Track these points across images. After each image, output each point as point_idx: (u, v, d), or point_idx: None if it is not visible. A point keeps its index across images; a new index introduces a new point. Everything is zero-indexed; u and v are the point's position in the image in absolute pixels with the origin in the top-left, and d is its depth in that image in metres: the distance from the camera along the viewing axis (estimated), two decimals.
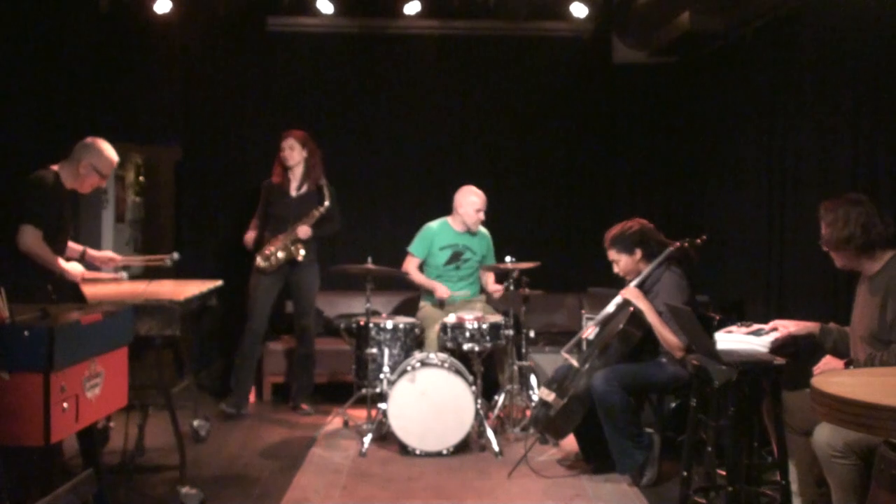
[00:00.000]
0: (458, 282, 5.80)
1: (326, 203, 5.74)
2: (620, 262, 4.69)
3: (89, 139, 4.44)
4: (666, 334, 4.39)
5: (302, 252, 5.70)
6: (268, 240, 5.79)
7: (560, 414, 4.58)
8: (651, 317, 4.43)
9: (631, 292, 4.53)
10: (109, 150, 4.44)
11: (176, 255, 4.88)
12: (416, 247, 5.81)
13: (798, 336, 3.73)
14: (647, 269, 4.60)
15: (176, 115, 6.97)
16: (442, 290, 5.70)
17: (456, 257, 5.77)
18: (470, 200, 5.72)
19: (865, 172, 4.52)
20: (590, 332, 4.79)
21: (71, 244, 4.76)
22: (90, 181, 4.45)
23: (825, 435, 3.16)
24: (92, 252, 4.79)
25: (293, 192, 5.85)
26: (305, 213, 5.75)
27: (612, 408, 4.35)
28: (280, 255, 5.71)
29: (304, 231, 5.70)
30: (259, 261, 5.74)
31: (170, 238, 7.56)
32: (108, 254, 4.83)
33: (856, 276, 3.64)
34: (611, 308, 4.70)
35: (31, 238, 4.18)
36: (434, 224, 5.84)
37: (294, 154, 5.79)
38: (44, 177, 4.30)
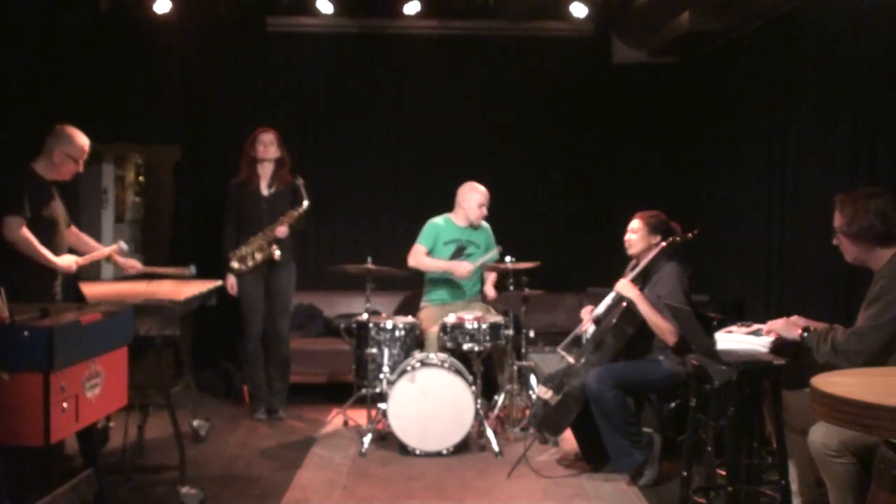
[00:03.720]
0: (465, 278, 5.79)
1: (305, 203, 5.66)
2: (638, 234, 4.70)
3: (58, 127, 4.49)
4: (658, 321, 4.41)
5: (278, 252, 5.65)
6: (241, 241, 5.69)
7: (556, 410, 4.59)
8: (643, 306, 4.46)
9: (623, 286, 4.56)
10: (79, 136, 4.49)
11: (193, 270, 4.88)
12: (424, 237, 5.78)
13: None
14: (643, 262, 4.62)
15: (176, 115, 6.98)
16: (460, 268, 5.65)
17: (459, 252, 5.78)
18: (472, 196, 5.74)
19: (865, 172, 4.52)
20: (586, 325, 4.79)
21: (97, 245, 4.84)
22: (67, 168, 4.50)
23: (820, 434, 3.16)
24: (118, 258, 4.83)
25: (264, 192, 5.76)
26: (278, 213, 5.67)
27: (606, 406, 4.36)
28: (258, 256, 5.64)
29: (282, 231, 5.64)
30: (234, 263, 5.64)
31: (169, 238, 7.55)
32: (132, 262, 4.85)
33: (857, 274, 3.64)
34: (605, 304, 4.71)
35: (14, 227, 4.22)
36: (438, 220, 5.84)
37: (271, 150, 5.69)
38: (15, 172, 4.38)
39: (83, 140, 4.50)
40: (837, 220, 3.52)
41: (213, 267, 5.51)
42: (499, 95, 7.21)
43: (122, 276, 5.08)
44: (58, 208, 4.49)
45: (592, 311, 4.83)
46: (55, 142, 4.44)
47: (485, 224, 5.90)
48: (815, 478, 3.41)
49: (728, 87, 6.30)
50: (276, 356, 5.89)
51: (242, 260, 5.66)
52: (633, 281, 4.65)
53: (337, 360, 6.27)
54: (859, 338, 3.33)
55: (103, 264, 6.01)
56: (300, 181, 5.68)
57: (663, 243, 4.59)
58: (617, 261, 5.17)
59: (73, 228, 4.71)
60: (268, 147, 5.69)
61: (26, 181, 4.34)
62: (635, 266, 4.70)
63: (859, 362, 3.28)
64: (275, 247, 5.64)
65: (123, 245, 4.82)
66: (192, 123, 7.02)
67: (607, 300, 4.72)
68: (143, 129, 6.96)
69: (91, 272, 5.86)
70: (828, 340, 3.40)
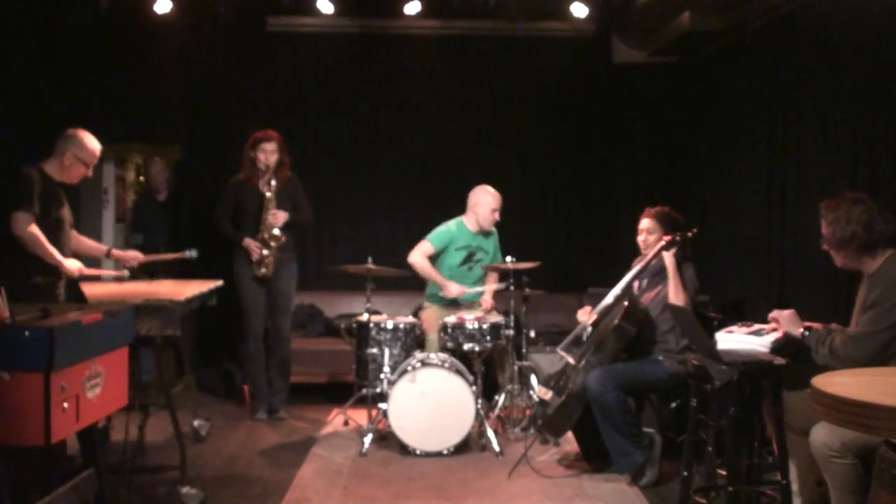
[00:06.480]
0: (471, 284, 5.77)
1: (273, 182, 5.64)
2: (655, 234, 4.71)
3: (70, 130, 4.48)
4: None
5: (282, 238, 5.64)
6: (248, 244, 5.68)
7: (558, 412, 4.58)
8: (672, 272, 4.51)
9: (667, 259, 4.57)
10: (91, 140, 4.49)
11: (194, 253, 4.89)
12: (436, 238, 5.72)
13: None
14: (647, 256, 4.63)
15: (176, 115, 6.98)
16: (454, 289, 5.62)
17: (469, 258, 5.75)
18: (486, 200, 5.68)
19: (865, 172, 4.52)
20: (591, 319, 4.77)
21: (96, 244, 4.85)
22: (76, 172, 4.50)
23: (822, 434, 3.16)
24: (117, 252, 4.84)
25: (267, 192, 5.71)
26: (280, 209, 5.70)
27: (607, 408, 4.36)
28: (266, 252, 5.65)
29: (276, 217, 5.63)
30: (261, 270, 5.66)
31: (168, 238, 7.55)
32: (132, 252, 4.86)
33: (856, 275, 3.64)
34: (605, 303, 4.70)
35: (22, 223, 4.21)
36: (452, 225, 5.77)
37: (272, 159, 5.65)
38: (27, 169, 4.36)
39: (95, 145, 4.49)
40: (823, 228, 3.53)
41: (213, 267, 5.51)
42: (499, 95, 7.21)
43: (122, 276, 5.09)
44: (65, 210, 4.50)
45: (590, 311, 4.83)
46: (67, 145, 4.42)
47: (493, 229, 5.87)
48: (816, 478, 3.42)
49: (728, 87, 6.31)
50: (276, 356, 5.89)
51: (262, 265, 5.66)
52: (640, 278, 4.67)
53: (337, 360, 6.27)
54: (856, 343, 3.35)
55: (104, 261, 5.99)
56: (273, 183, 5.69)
57: (662, 241, 4.60)
58: (617, 261, 5.17)
59: (74, 232, 4.71)
60: (269, 156, 5.68)
61: (37, 180, 4.33)
62: (642, 261, 4.70)
63: (855, 366, 3.28)
64: (276, 232, 5.62)
65: (126, 273, 4.84)
66: (192, 123, 7.02)
67: (607, 300, 4.71)
68: (144, 129, 6.96)
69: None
70: (826, 344, 3.42)
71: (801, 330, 3.59)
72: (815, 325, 3.63)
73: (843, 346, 3.37)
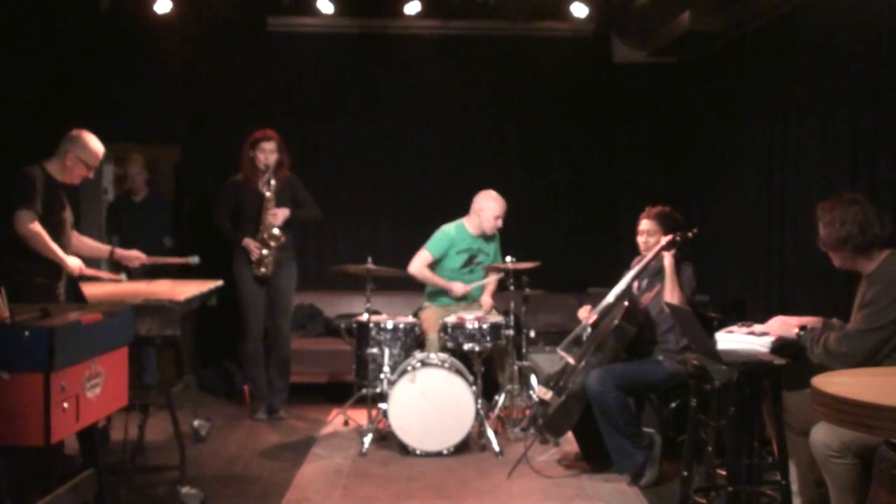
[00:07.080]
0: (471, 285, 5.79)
1: (272, 182, 5.64)
2: (653, 234, 4.70)
3: (74, 131, 4.47)
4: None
5: (282, 238, 5.65)
6: (248, 243, 5.68)
7: (558, 412, 4.58)
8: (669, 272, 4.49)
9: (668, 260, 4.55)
10: (94, 142, 4.48)
11: (196, 259, 4.90)
12: (434, 246, 5.71)
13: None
14: (647, 257, 4.63)
15: (176, 115, 6.98)
16: (459, 288, 5.64)
17: (470, 260, 5.74)
18: (490, 205, 5.66)
19: (865, 172, 4.52)
20: (592, 318, 4.77)
21: (98, 244, 4.85)
22: (78, 173, 4.49)
23: (821, 434, 3.16)
24: (120, 251, 4.83)
25: (266, 192, 5.69)
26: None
27: (607, 407, 4.36)
28: (266, 252, 5.66)
29: (276, 215, 5.62)
30: (260, 270, 5.66)
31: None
32: (135, 252, 4.86)
33: (856, 275, 3.64)
34: (605, 303, 4.70)
35: (26, 221, 4.21)
36: (451, 228, 5.76)
37: (271, 158, 5.64)
38: (29, 168, 4.36)
39: (97, 146, 4.49)
40: (820, 229, 3.53)
41: (213, 267, 5.51)
42: (499, 95, 7.21)
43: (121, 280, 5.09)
44: (66, 211, 4.50)
45: (591, 310, 4.83)
46: (69, 145, 4.42)
47: (495, 233, 5.85)
48: (816, 478, 3.42)
49: (728, 87, 6.31)
50: (276, 356, 5.89)
51: (263, 264, 5.66)
52: (639, 278, 4.66)
53: (337, 360, 6.28)
54: (849, 341, 3.37)
55: (103, 263, 6.03)
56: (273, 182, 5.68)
57: (663, 241, 4.59)
58: (617, 261, 5.17)
59: (75, 232, 4.71)
60: (268, 156, 5.67)
61: (39, 179, 4.33)
62: (641, 261, 4.70)
63: (848, 364, 3.30)
64: (276, 231, 5.62)
65: (124, 276, 4.83)
66: (192, 123, 7.03)
67: (608, 300, 4.71)
68: (143, 129, 6.96)
69: None
70: (821, 342, 3.44)
71: (796, 330, 3.60)
72: (811, 321, 3.64)
73: (837, 344, 3.38)
